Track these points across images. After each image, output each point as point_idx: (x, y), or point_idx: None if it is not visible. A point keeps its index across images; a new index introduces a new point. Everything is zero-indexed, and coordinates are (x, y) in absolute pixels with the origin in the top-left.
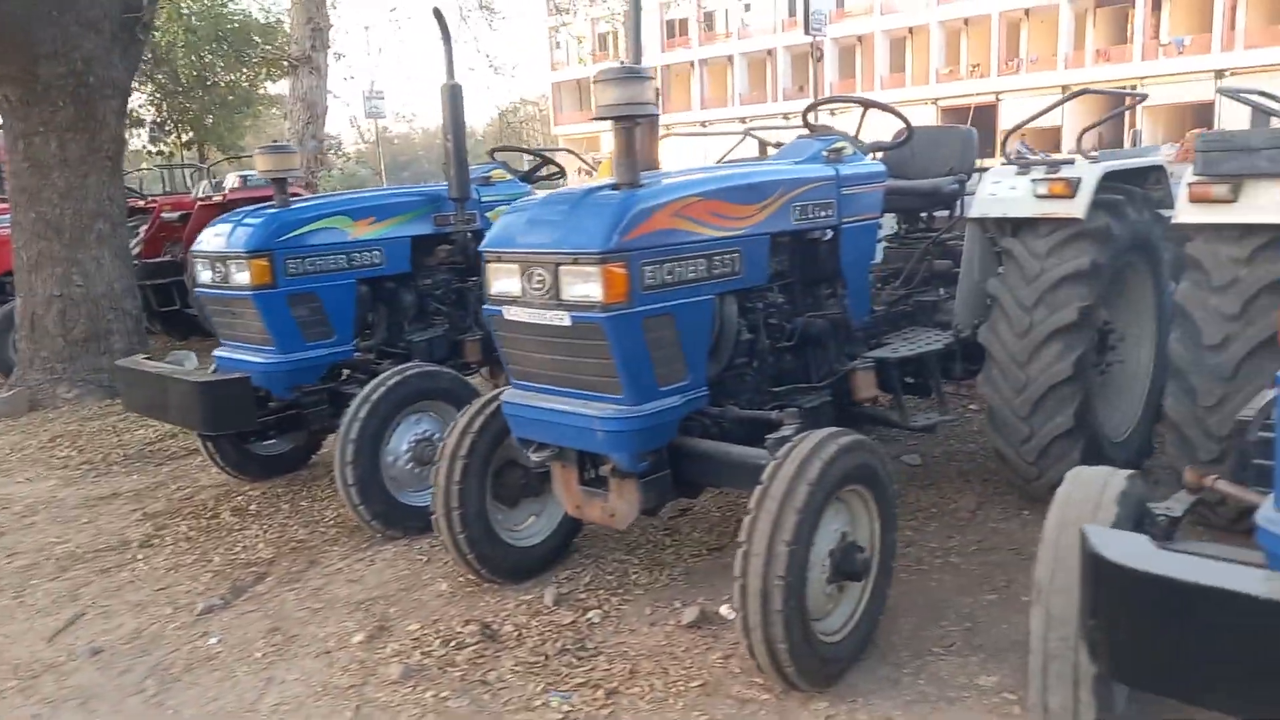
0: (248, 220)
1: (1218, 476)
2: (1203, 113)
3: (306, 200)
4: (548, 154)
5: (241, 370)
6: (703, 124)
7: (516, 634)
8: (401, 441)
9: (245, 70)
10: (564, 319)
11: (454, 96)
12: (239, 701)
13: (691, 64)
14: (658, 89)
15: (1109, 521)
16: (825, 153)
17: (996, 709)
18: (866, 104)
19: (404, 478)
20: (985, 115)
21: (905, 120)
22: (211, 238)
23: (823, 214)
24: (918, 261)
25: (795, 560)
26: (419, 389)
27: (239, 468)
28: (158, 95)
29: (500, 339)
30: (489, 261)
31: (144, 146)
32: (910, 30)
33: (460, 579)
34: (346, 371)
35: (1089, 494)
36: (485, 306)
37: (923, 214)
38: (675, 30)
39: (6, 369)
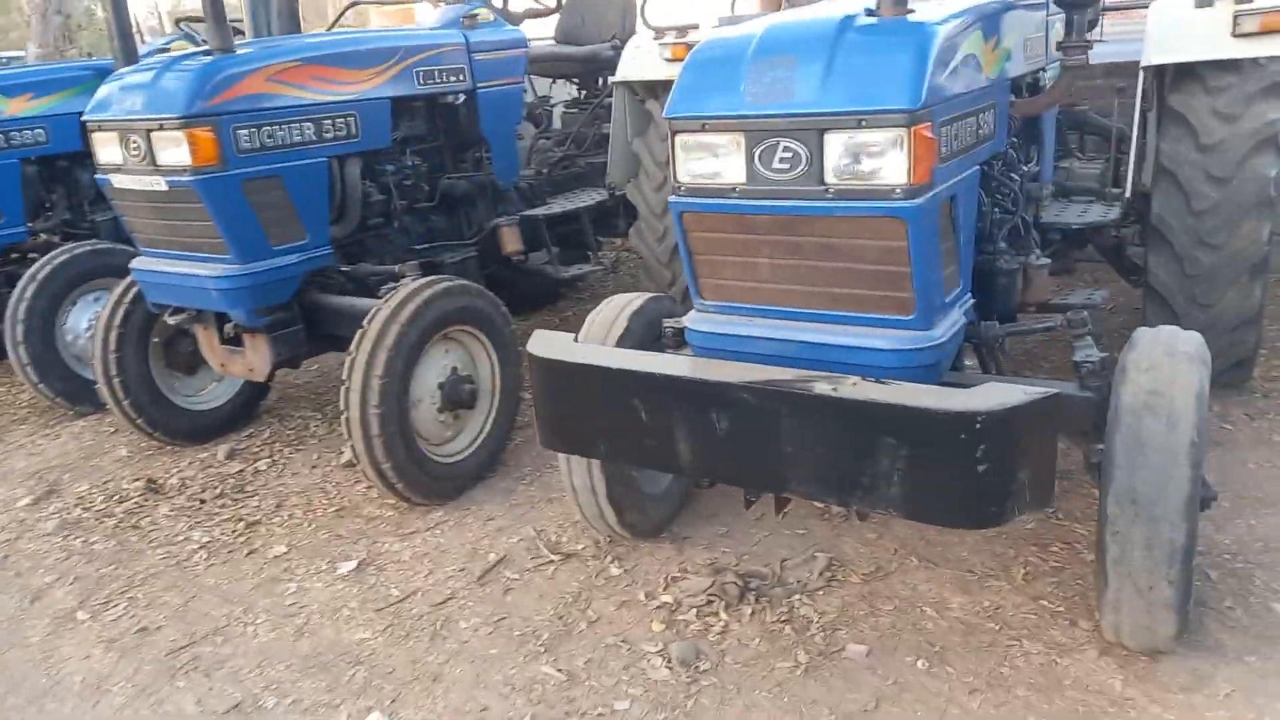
0: None
1: None
2: None
3: None
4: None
5: None
6: None
7: (181, 485)
8: (81, 320)
9: None
10: (161, 184)
11: None
12: None
13: None
14: None
15: (620, 334)
16: (463, 19)
17: None
18: None
19: (88, 355)
20: None
21: None
22: None
23: (452, 79)
24: (584, 125)
25: (389, 391)
26: (91, 267)
27: None
28: None
29: (115, 207)
30: (91, 131)
31: None
32: None
33: (143, 444)
34: (34, 255)
35: (611, 314)
36: (97, 176)
37: (598, 80)
38: None
39: None
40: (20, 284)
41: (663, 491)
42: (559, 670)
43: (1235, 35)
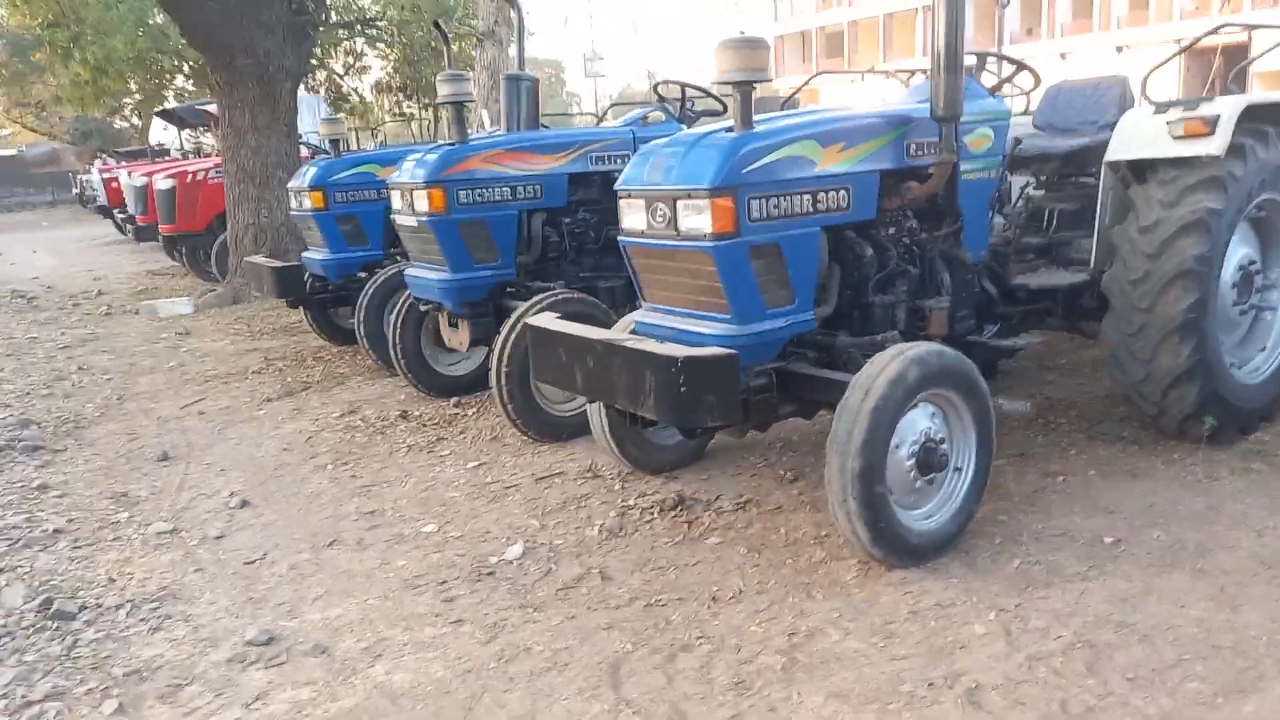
0: (312, 165)
1: None
2: None
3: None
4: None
5: (303, 263)
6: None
7: (419, 416)
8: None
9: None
10: (414, 222)
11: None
12: (257, 433)
13: (877, 18)
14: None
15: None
16: (640, 120)
17: None
18: (699, 90)
19: None
20: (1235, 55)
21: (720, 101)
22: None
23: (619, 161)
24: None
25: (514, 360)
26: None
27: (329, 334)
28: (398, 63)
29: (401, 235)
30: (391, 189)
31: (389, 110)
32: None
33: (415, 395)
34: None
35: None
36: (392, 217)
37: None
38: None
39: (224, 275)
40: (364, 290)
41: (671, 443)
42: (537, 521)
43: (1173, 138)
